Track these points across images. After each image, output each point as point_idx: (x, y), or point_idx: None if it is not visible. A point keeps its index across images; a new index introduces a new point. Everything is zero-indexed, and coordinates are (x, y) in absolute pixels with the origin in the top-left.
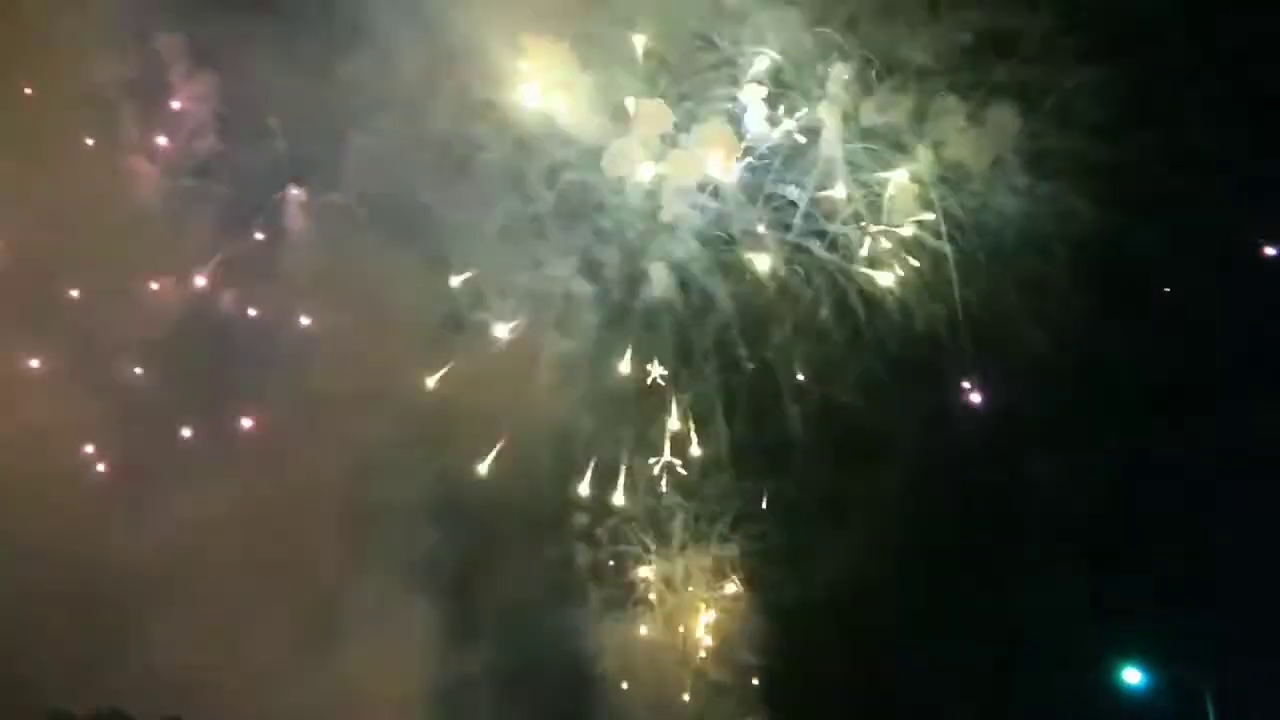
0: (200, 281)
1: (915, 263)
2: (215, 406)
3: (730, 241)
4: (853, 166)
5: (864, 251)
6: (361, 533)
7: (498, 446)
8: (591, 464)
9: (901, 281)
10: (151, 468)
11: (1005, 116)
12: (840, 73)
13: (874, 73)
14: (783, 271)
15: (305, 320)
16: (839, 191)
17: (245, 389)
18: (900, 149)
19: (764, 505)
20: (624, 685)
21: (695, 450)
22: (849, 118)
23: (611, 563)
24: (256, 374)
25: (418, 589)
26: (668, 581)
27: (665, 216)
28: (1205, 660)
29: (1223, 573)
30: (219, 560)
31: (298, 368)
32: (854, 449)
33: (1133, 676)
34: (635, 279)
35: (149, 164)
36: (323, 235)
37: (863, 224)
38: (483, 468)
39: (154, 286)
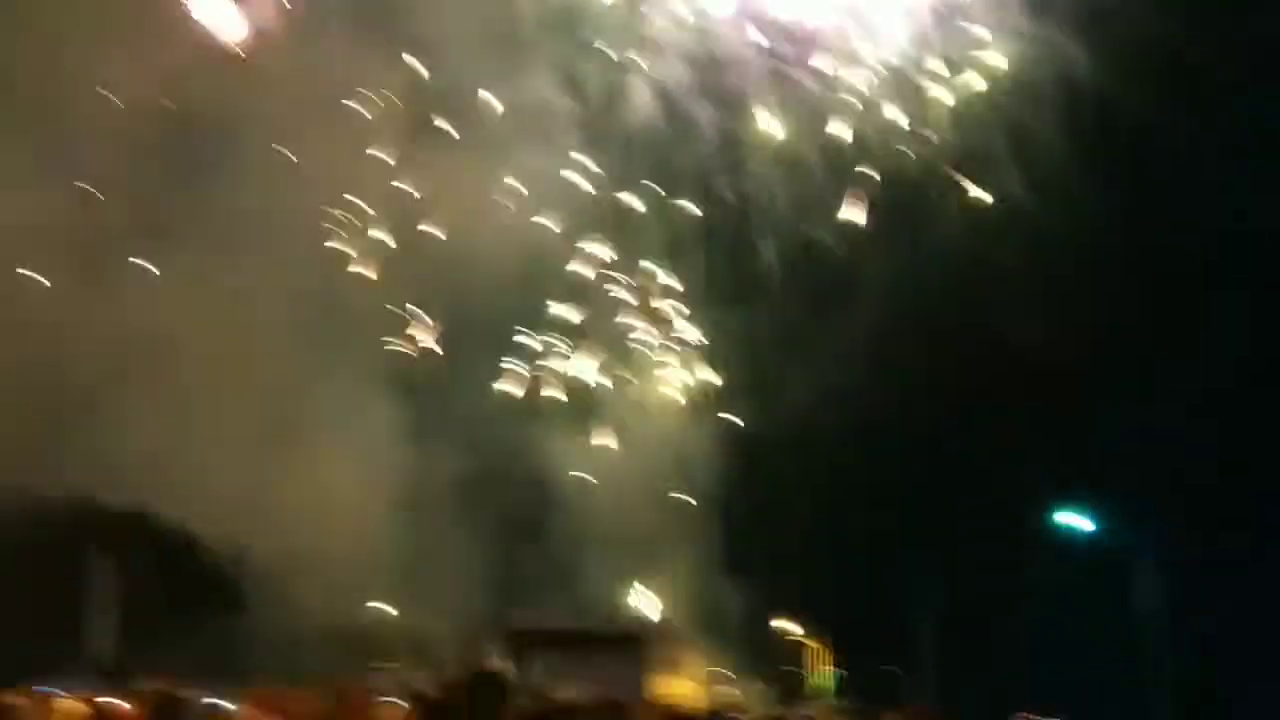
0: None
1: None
2: (184, 187)
3: (716, 65)
4: None
5: (854, 85)
6: (328, 328)
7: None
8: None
9: (889, 119)
10: (114, 252)
11: None
12: None
13: None
14: (769, 102)
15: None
16: (829, 20)
17: (215, 172)
18: None
19: (734, 337)
20: (585, 500)
21: (669, 278)
22: None
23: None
24: (226, 159)
25: (383, 389)
26: (634, 405)
27: (651, 32)
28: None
29: (1174, 438)
30: (183, 350)
31: (265, 158)
32: (827, 289)
33: (1080, 522)
34: (616, 97)
35: None
36: (291, 28)
37: (855, 57)
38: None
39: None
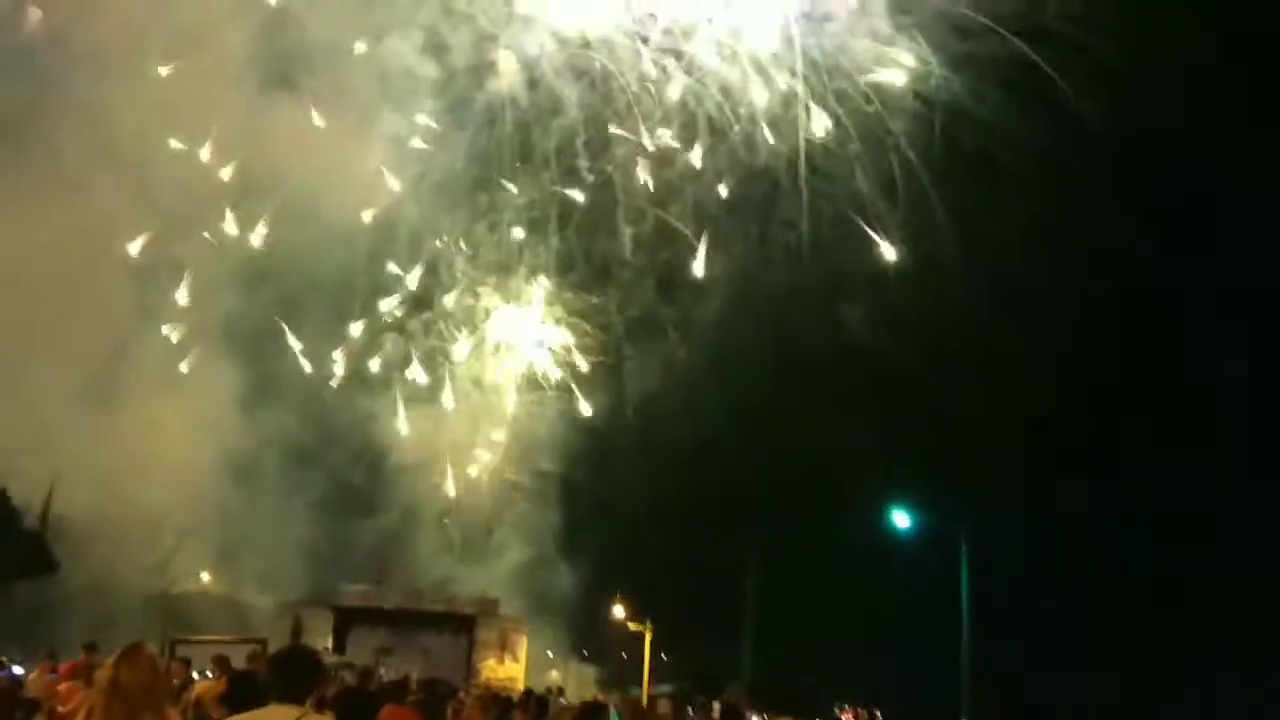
0: None
1: (766, 95)
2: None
3: (586, 45)
4: None
5: (718, 76)
6: (155, 288)
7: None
8: (416, 254)
9: (750, 114)
10: None
11: None
12: None
13: None
14: (636, 86)
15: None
16: (700, 13)
17: (33, 117)
18: None
19: (583, 318)
20: (417, 477)
21: (524, 255)
22: None
23: (420, 355)
24: (49, 101)
25: (215, 351)
26: (477, 381)
27: (520, 8)
28: (962, 509)
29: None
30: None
31: (96, 100)
32: (679, 274)
33: (901, 520)
34: (482, 69)
35: None
36: None
37: (721, 51)
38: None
39: None
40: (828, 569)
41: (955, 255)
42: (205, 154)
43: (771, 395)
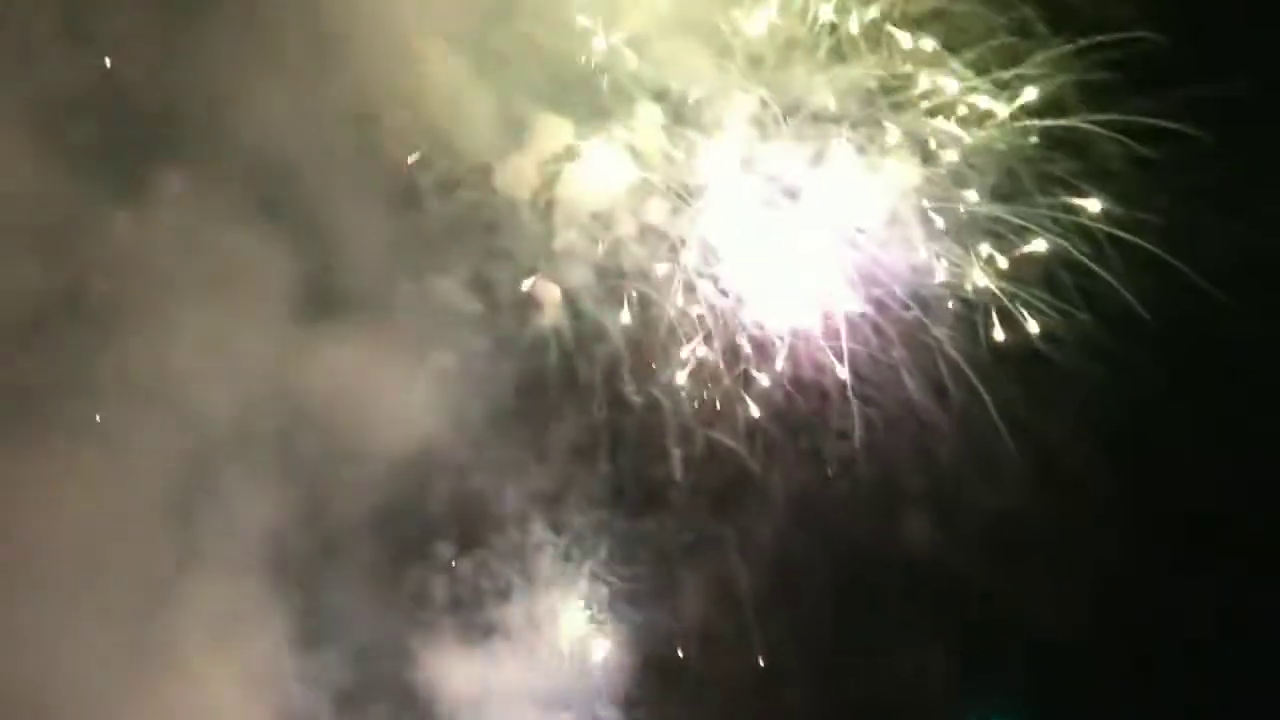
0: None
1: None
2: (46, 384)
3: (622, 275)
4: (746, 211)
5: (754, 295)
6: (198, 533)
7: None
8: (459, 491)
9: (792, 331)
10: None
11: (903, 171)
12: (739, 111)
13: (772, 116)
14: (674, 311)
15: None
16: (732, 235)
17: (83, 367)
18: (794, 196)
19: (637, 546)
20: None
21: (571, 485)
22: (745, 161)
23: (470, 597)
24: (99, 350)
25: (256, 603)
26: (531, 619)
27: (557, 243)
28: None
29: (1097, 640)
30: (42, 557)
31: (146, 346)
32: (732, 494)
33: None
34: (524, 303)
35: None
36: (192, 216)
37: (755, 270)
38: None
39: None
40: None
41: (1012, 456)
42: (244, 389)
43: (839, 613)
